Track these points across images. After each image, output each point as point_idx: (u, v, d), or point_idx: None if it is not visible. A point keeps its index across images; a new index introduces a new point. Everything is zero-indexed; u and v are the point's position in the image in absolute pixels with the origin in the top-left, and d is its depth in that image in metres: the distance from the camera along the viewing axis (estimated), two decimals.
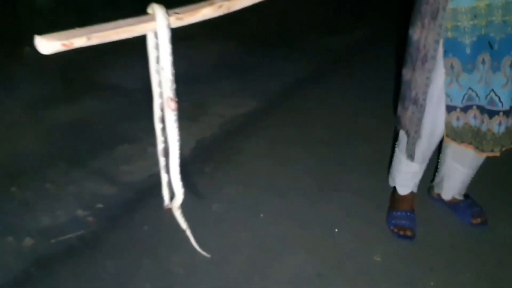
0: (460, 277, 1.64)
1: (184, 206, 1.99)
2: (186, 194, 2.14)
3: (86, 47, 0.68)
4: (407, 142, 1.72)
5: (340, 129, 2.65)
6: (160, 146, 0.86)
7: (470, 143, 1.59)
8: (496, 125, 1.52)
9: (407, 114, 1.68)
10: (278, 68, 3.57)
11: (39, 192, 2.18)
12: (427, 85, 1.55)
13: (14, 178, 2.25)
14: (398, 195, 1.91)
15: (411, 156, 1.74)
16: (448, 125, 1.58)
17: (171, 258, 1.77)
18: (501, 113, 1.51)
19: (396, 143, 1.85)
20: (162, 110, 0.83)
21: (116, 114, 2.95)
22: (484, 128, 1.54)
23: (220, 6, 0.73)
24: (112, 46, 2.93)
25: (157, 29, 0.69)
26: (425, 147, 1.71)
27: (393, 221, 1.87)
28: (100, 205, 2.10)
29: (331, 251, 1.77)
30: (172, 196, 1.01)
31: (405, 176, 1.87)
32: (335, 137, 2.56)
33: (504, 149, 1.57)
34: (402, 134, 1.77)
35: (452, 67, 1.48)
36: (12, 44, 3.69)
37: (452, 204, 1.94)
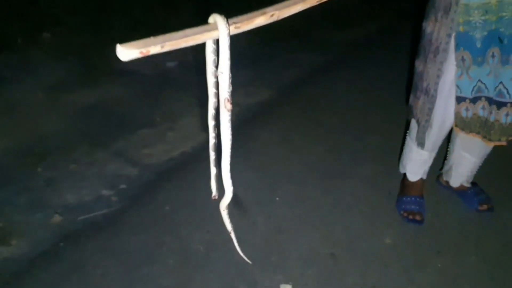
0: (466, 260, 1.73)
1: (202, 189, 2.09)
2: (205, 177, 2.22)
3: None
4: (418, 130, 1.81)
5: (351, 120, 2.73)
6: (211, 141, 0.94)
7: (478, 133, 1.67)
8: (504, 116, 1.60)
9: (418, 103, 1.76)
10: (292, 59, 3.65)
11: (64, 172, 2.29)
12: (438, 77, 1.63)
13: (39, 159, 2.35)
14: (408, 181, 2.00)
15: (421, 144, 1.82)
16: (457, 115, 1.67)
17: (192, 236, 1.87)
18: (508, 105, 1.59)
19: (407, 131, 1.94)
20: (215, 109, 0.91)
21: (135, 99, 3.05)
22: (492, 118, 1.62)
23: (272, 15, 0.81)
24: (128, 32, 3.05)
25: (219, 37, 0.77)
26: (435, 136, 1.79)
27: (403, 206, 1.96)
28: (123, 186, 2.20)
29: (343, 234, 1.87)
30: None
31: (416, 164, 1.95)
32: (346, 127, 2.64)
33: (510, 138, 1.65)
34: (413, 123, 1.85)
35: (463, 60, 1.56)
36: (32, 30, 3.80)
37: (460, 191, 2.02)
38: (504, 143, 1.65)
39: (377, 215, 1.96)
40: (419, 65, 1.73)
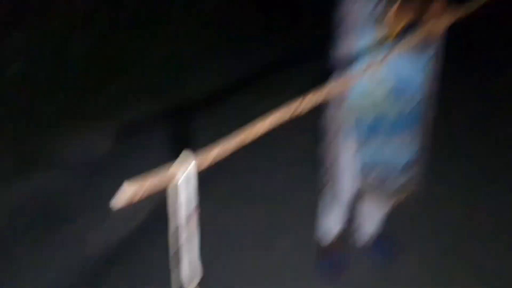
0: None
1: None
2: None
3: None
4: (329, 197, 2.20)
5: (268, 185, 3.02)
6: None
7: (380, 194, 2.08)
8: (398, 179, 2.02)
9: (326, 175, 2.16)
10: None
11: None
12: (339, 154, 2.04)
13: None
14: (326, 241, 2.35)
15: (332, 208, 2.21)
16: (361, 182, 2.06)
17: None
18: (401, 170, 2.02)
19: (324, 198, 2.31)
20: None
21: (66, 190, 3.02)
22: (389, 183, 2.03)
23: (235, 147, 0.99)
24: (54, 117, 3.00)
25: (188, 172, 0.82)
26: (344, 199, 2.17)
27: (324, 263, 2.33)
28: None
29: None
30: None
31: (331, 223, 2.30)
32: (266, 193, 2.93)
33: (405, 197, 2.07)
34: (324, 191, 2.24)
35: (360, 137, 1.98)
36: None
37: (371, 243, 2.40)
38: (401, 201, 2.08)
39: (305, 273, 2.28)
40: (324, 144, 2.13)
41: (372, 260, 2.36)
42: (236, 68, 4.79)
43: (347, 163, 2.04)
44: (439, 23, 1.29)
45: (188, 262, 0.90)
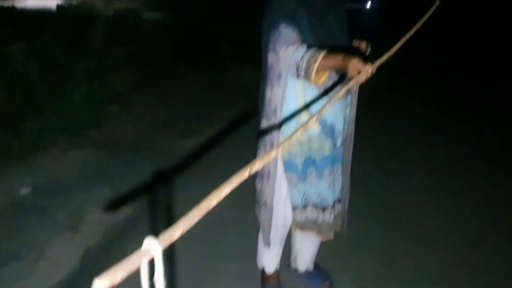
0: None
1: None
2: None
3: None
4: (264, 234, 2.30)
5: (211, 220, 3.11)
6: None
7: (312, 230, 2.23)
8: (328, 216, 2.19)
9: (261, 214, 2.27)
10: (143, 171, 3.96)
11: None
12: (272, 193, 2.16)
13: None
14: (266, 274, 2.45)
15: (268, 244, 2.31)
16: (294, 219, 2.20)
17: None
18: (329, 207, 2.18)
19: (259, 233, 2.42)
20: None
21: None
22: (320, 219, 2.19)
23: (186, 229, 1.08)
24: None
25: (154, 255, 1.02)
26: (279, 236, 2.29)
27: None
28: None
29: None
30: None
31: (269, 258, 2.42)
32: (208, 228, 3.00)
33: (335, 231, 2.24)
34: (260, 229, 2.35)
35: (291, 179, 2.12)
36: None
37: (307, 274, 2.54)
38: (331, 237, 2.23)
39: None
40: (257, 184, 2.24)
41: None
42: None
43: (282, 201, 2.16)
44: (361, 76, 1.45)
45: None
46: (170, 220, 3.14)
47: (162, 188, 3.69)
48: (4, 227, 3.08)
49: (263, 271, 2.48)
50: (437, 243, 2.88)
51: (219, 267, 2.67)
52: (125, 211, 3.31)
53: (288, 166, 2.11)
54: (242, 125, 4.47)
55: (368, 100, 2.15)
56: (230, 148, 4.25)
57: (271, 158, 0.99)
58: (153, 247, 1.01)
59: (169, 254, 2.77)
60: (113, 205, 3.36)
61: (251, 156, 1.15)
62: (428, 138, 4.72)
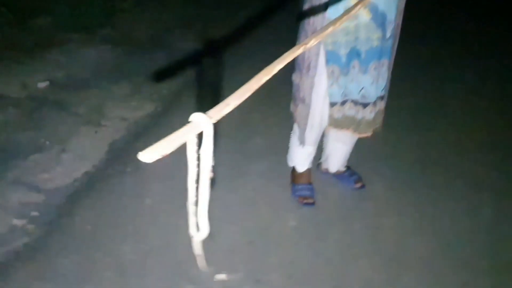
0: (353, 228, 2.19)
1: (119, 204, 2.24)
2: (118, 192, 2.39)
3: None
4: (299, 132, 2.21)
5: (238, 122, 3.03)
6: (192, 200, 1.09)
7: (348, 128, 2.13)
8: (369, 113, 2.08)
9: (297, 110, 2.16)
10: (162, 70, 3.82)
11: None
12: (311, 88, 2.03)
13: None
14: (297, 172, 2.40)
15: (303, 142, 2.22)
16: (331, 117, 2.09)
17: (123, 249, 2.01)
18: (371, 104, 2.06)
19: (292, 132, 2.33)
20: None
21: (14, 125, 2.96)
22: (359, 116, 2.08)
23: (235, 104, 1.02)
24: None
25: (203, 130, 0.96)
26: (314, 134, 2.20)
27: (297, 193, 2.35)
28: (35, 213, 2.21)
29: (256, 224, 2.19)
30: None
31: (302, 157, 2.35)
32: (236, 129, 2.94)
33: (373, 129, 2.14)
34: (295, 125, 2.25)
35: (332, 72, 1.98)
36: None
37: (338, 175, 2.49)
38: (369, 134, 2.14)
39: (278, 203, 2.33)
40: (295, 78, 2.11)
41: (341, 190, 2.43)
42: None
43: (321, 96, 2.04)
44: None
45: (199, 216, 0.97)
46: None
47: (184, 87, 3.57)
48: (25, 120, 3.00)
49: (293, 170, 2.42)
50: (469, 153, 2.79)
51: (247, 166, 2.61)
52: (148, 108, 3.22)
53: (331, 57, 1.95)
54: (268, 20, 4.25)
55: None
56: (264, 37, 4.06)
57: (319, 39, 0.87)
58: (202, 121, 0.93)
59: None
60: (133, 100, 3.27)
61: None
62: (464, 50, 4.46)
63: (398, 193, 2.42)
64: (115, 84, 3.49)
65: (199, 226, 1.14)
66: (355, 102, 2.05)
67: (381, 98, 2.11)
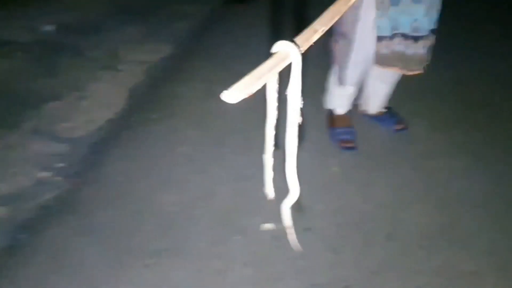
0: (397, 169, 2.07)
1: (150, 153, 2.11)
2: (147, 140, 2.25)
3: None
4: (339, 71, 2.04)
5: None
6: (270, 149, 1.01)
7: (396, 66, 1.95)
8: (421, 48, 1.90)
9: (337, 46, 1.98)
10: (178, 10, 3.59)
11: None
12: (356, 21, 1.84)
13: None
14: (336, 114, 2.25)
15: (343, 82, 2.06)
16: (378, 53, 1.91)
17: (163, 199, 1.89)
18: (424, 38, 1.88)
19: (332, 71, 2.16)
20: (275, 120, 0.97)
21: (26, 71, 2.78)
22: (410, 52, 1.90)
23: (322, 30, 0.92)
24: None
25: (292, 63, 0.85)
26: (358, 73, 2.03)
27: (337, 137, 2.21)
28: (61, 164, 2.08)
29: (297, 171, 2.06)
30: None
31: (342, 99, 2.20)
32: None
33: (425, 65, 1.97)
34: (334, 65, 2.08)
35: (382, 2, 1.79)
36: None
37: (378, 117, 2.34)
38: (421, 71, 1.97)
39: (317, 149, 2.19)
40: None
41: (382, 133, 2.30)
42: None
43: (367, 30, 1.86)
44: None
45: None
46: (222, 61, 2.89)
47: (202, 28, 3.36)
48: (37, 66, 2.82)
49: (331, 113, 2.28)
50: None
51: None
52: (165, 51, 3.02)
53: None
54: None
55: None
56: None
57: None
58: (291, 52, 0.82)
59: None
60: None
61: None
62: None
63: (442, 134, 2.29)
64: (128, 26, 3.28)
65: (288, 186, 1.04)
66: (405, 36, 1.87)
67: (433, 31, 1.92)
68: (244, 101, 2.40)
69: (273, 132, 1.00)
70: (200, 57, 2.94)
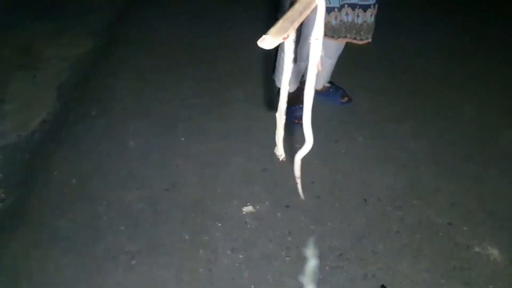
0: (358, 140, 2.12)
1: (99, 150, 1.94)
2: (92, 138, 2.07)
3: None
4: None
5: (197, 49, 2.76)
6: (282, 106, 0.98)
7: (345, 37, 1.98)
8: (369, 17, 1.95)
9: None
10: (87, 2, 3.32)
11: None
12: None
13: None
14: (289, 93, 2.23)
15: (295, 58, 2.05)
16: (328, 25, 1.93)
17: (125, 197, 1.75)
18: (372, 6, 1.93)
19: (279, 50, 2.13)
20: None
21: None
22: (360, 20, 1.94)
23: None
24: None
25: (318, 6, 0.84)
26: (308, 47, 2.03)
27: (293, 114, 2.20)
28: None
29: (261, 150, 2.01)
30: None
31: (293, 75, 2.19)
32: (196, 57, 2.67)
33: (372, 34, 2.02)
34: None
35: None
36: None
37: (323, 92, 2.37)
38: (370, 40, 2.02)
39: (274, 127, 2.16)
40: None
41: (330, 107, 2.33)
42: None
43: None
44: None
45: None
46: (150, 48, 2.73)
47: (120, 18, 3.15)
48: None
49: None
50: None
51: (228, 92, 2.39)
52: (89, 44, 2.78)
53: None
54: None
55: None
56: None
57: None
58: None
59: None
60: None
61: None
62: None
63: (384, 102, 2.38)
64: (36, 21, 2.97)
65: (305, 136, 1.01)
66: (353, 6, 1.90)
67: (377, 0, 1.98)
68: (182, 87, 2.29)
69: (287, 88, 0.97)
70: (124, 47, 2.75)
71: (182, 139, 2.07)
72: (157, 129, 2.10)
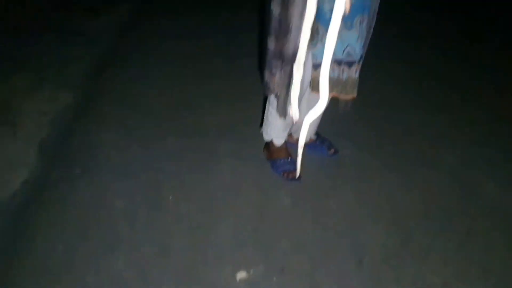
0: (348, 195, 2.10)
1: (85, 213, 1.87)
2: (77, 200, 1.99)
3: None
4: (278, 103, 2.03)
5: (181, 102, 2.74)
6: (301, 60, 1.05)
7: (332, 91, 2.01)
8: (354, 73, 1.98)
9: (275, 79, 1.98)
10: (64, 54, 3.27)
11: None
12: (295, 51, 1.86)
13: None
14: (276, 146, 2.23)
15: (284, 114, 2.06)
16: (314, 80, 1.95)
17: (113, 263, 1.68)
18: (356, 63, 1.97)
19: (267, 104, 2.14)
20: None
21: None
22: (344, 77, 1.97)
23: None
24: None
25: None
26: (297, 101, 2.05)
27: (280, 169, 2.20)
28: None
29: (251, 211, 1.98)
30: None
31: (280, 129, 2.19)
32: (180, 111, 2.65)
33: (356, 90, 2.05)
34: (272, 97, 2.07)
35: (317, 31, 1.84)
36: None
37: (310, 144, 2.38)
38: (354, 95, 2.04)
39: (263, 183, 2.14)
40: (270, 43, 1.92)
41: (318, 159, 2.33)
42: None
43: (303, 59, 1.88)
44: None
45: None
46: (130, 95, 2.70)
47: (98, 68, 3.12)
48: None
49: (270, 145, 2.25)
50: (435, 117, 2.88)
51: (215, 146, 2.37)
52: (65, 98, 2.73)
53: (316, 14, 1.80)
54: None
55: None
56: None
57: None
58: None
59: None
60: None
61: None
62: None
63: (369, 153, 2.39)
64: (12, 75, 2.90)
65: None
66: (339, 62, 1.93)
67: (361, 56, 2.02)
68: (167, 142, 2.19)
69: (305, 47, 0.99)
70: (106, 101, 2.71)
71: (170, 197, 2.03)
72: (143, 188, 2.05)
